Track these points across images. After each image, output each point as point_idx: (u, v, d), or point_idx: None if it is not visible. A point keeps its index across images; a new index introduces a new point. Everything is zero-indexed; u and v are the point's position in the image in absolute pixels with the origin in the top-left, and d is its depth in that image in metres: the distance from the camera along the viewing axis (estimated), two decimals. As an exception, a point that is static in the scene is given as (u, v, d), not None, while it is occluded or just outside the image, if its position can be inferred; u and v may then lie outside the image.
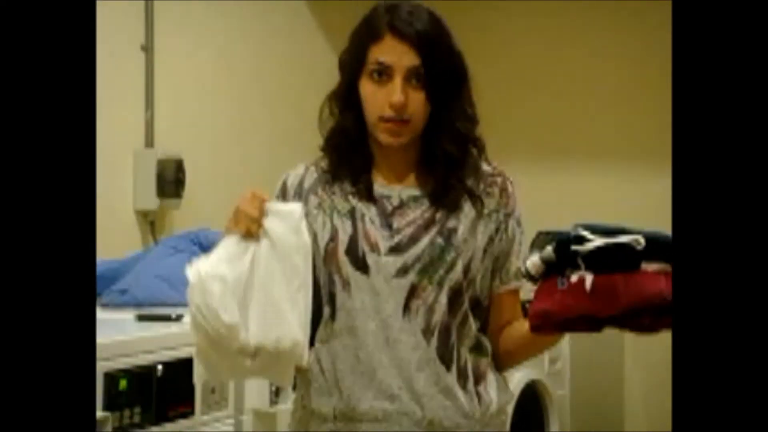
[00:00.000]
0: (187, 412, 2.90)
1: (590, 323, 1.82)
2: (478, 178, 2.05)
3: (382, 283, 1.99)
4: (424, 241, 2.00)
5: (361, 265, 2.00)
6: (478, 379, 2.04)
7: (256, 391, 3.12)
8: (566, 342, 4.07)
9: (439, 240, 2.00)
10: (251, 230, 1.96)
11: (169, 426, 2.84)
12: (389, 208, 2.03)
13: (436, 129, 2.01)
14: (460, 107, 2.02)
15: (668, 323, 1.77)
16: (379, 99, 1.97)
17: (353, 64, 2.01)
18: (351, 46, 2.03)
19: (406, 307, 1.98)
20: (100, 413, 2.57)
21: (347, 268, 2.00)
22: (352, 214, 2.03)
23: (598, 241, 1.79)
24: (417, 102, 1.97)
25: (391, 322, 1.98)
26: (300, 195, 2.07)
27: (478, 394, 2.03)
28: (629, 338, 4.64)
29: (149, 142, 3.77)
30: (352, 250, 2.01)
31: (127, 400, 2.70)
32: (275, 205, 2.00)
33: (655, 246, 1.78)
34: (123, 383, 2.69)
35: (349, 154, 2.06)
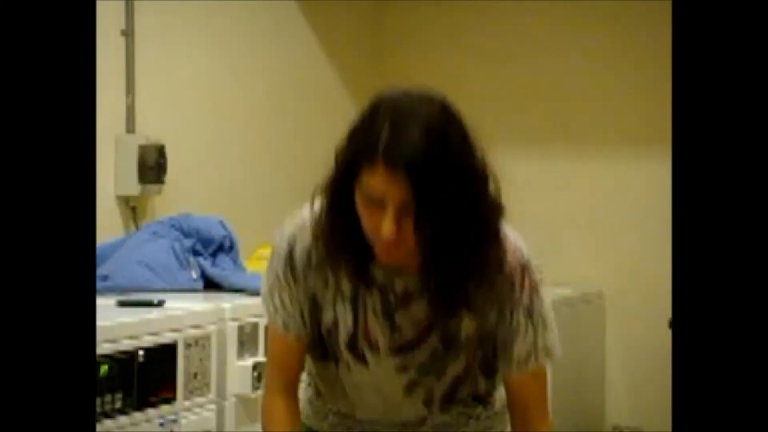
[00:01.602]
0: (169, 397, 2.90)
1: None
2: (492, 281, 1.89)
3: (381, 375, 1.99)
4: (425, 347, 1.95)
5: (361, 359, 1.98)
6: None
7: (238, 377, 3.11)
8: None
9: (441, 347, 1.95)
10: None
11: (151, 411, 2.83)
12: (392, 299, 1.93)
13: (436, 249, 1.81)
14: (465, 227, 1.80)
15: None
16: (372, 221, 1.80)
17: (346, 177, 1.80)
18: (346, 154, 1.81)
19: (407, 391, 2.01)
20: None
21: (348, 356, 1.99)
22: (354, 300, 1.95)
23: None
24: (411, 228, 1.78)
25: (392, 398, 2.01)
26: (309, 268, 1.95)
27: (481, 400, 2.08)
28: (611, 336, 4.60)
29: (130, 128, 3.75)
30: (352, 346, 1.98)
31: (108, 386, 2.69)
32: None
33: None
34: (104, 369, 2.68)
35: (345, 247, 1.89)
